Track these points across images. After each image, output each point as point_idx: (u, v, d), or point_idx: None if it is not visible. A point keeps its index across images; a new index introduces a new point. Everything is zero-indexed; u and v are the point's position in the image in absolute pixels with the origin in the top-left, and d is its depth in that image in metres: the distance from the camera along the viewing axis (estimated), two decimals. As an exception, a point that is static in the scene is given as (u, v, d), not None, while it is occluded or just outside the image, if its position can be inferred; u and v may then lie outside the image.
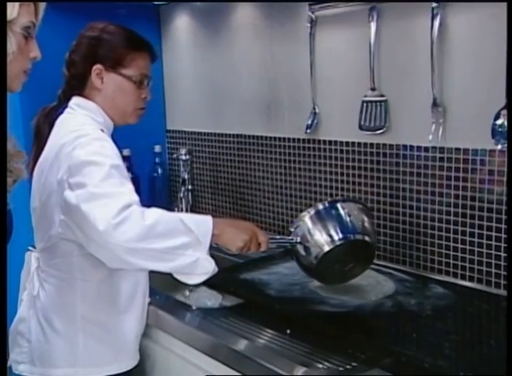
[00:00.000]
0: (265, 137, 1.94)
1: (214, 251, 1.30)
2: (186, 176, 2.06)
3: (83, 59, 1.40)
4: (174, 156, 2.14)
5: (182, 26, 2.22)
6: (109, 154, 1.26)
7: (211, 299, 1.66)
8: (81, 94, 1.40)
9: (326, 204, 1.37)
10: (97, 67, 1.38)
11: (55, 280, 1.36)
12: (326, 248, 1.32)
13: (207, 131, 2.17)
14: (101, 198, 1.16)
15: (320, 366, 1.13)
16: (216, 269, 1.23)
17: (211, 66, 2.11)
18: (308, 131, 1.75)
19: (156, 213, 1.19)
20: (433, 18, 1.39)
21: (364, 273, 1.49)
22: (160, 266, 1.19)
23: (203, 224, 1.23)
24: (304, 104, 1.76)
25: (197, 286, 1.79)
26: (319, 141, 1.75)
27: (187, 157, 2.04)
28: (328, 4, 1.64)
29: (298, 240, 1.35)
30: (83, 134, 1.29)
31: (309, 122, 1.75)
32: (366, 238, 1.35)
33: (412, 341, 1.17)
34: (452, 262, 1.48)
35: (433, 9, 1.38)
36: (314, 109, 1.74)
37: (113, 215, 1.13)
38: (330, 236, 1.32)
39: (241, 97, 2.01)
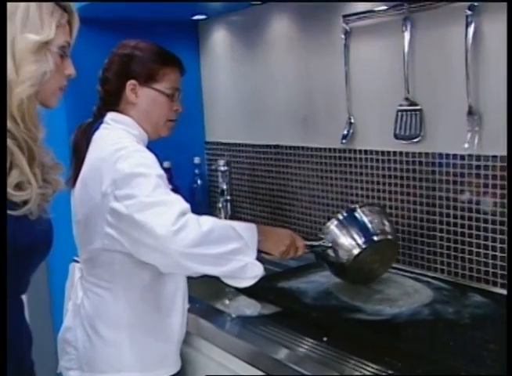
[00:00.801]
0: (302, 147, 1.97)
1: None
2: (225, 187, 2.10)
3: (117, 76, 1.45)
4: (213, 167, 2.19)
5: (219, 40, 2.28)
6: (152, 165, 1.31)
7: (250, 308, 1.69)
8: (115, 109, 1.46)
9: (347, 212, 1.49)
10: (131, 83, 1.43)
11: (99, 288, 1.40)
12: (355, 252, 1.43)
13: (245, 142, 2.21)
14: (154, 207, 1.21)
15: (357, 373, 1.14)
16: (264, 273, 1.28)
17: (248, 78, 2.16)
18: (344, 141, 1.77)
19: (210, 220, 1.25)
20: (467, 26, 1.40)
21: (401, 282, 1.51)
22: (212, 270, 1.25)
23: (250, 230, 1.28)
24: (340, 114, 1.78)
25: (236, 295, 1.84)
26: (355, 151, 1.77)
27: (225, 168, 2.09)
28: (362, 15, 1.66)
29: (330, 245, 1.44)
30: (122, 147, 1.33)
31: (345, 132, 1.77)
32: (389, 236, 1.47)
33: (450, 350, 1.16)
34: (491, 270, 1.47)
35: (467, 17, 1.39)
36: (349, 119, 1.75)
37: (172, 222, 1.18)
38: (356, 240, 1.44)
39: (278, 108, 2.04)
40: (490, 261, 1.46)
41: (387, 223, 1.48)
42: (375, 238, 1.45)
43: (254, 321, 1.45)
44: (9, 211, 1.01)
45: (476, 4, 1.38)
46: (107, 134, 1.43)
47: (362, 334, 1.28)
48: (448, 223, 1.55)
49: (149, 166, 1.30)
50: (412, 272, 1.59)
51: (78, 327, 1.43)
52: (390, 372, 1.13)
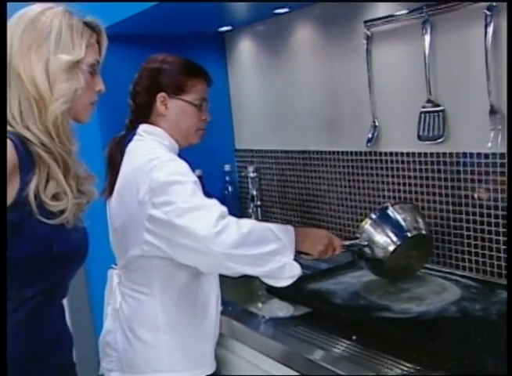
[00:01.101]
0: (328, 152, 2.00)
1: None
2: (255, 192, 2.15)
3: (147, 89, 1.51)
4: (243, 174, 2.24)
5: (245, 50, 2.33)
6: (187, 172, 1.37)
7: (283, 310, 1.73)
8: (146, 121, 1.52)
9: (380, 211, 1.54)
10: (161, 95, 1.49)
11: (136, 293, 1.47)
12: (391, 248, 1.47)
13: (273, 148, 2.26)
14: (194, 211, 1.27)
15: (386, 370, 1.17)
16: (301, 273, 1.33)
17: (274, 86, 2.21)
18: (369, 144, 1.80)
19: (249, 222, 1.31)
20: (486, 26, 1.42)
21: (429, 280, 1.53)
22: (252, 271, 1.30)
23: (288, 232, 1.33)
24: (364, 118, 1.81)
25: (269, 298, 1.88)
26: (380, 153, 1.80)
27: (255, 174, 2.14)
28: (382, 20, 1.69)
29: (366, 243, 1.49)
30: (155, 157, 1.39)
31: (370, 135, 1.80)
32: (423, 232, 1.51)
33: (477, 346, 1.18)
34: (519, 267, 1.47)
35: (486, 17, 1.41)
36: (374, 122, 1.78)
37: (213, 224, 1.24)
38: (390, 237, 1.48)
39: (304, 114, 2.08)
40: (518, 257, 1.47)
41: (420, 219, 1.52)
42: (408, 234, 1.48)
43: (286, 322, 1.49)
44: (46, 220, 1.08)
45: (494, 4, 1.40)
46: (140, 145, 1.49)
47: (389, 332, 1.31)
48: (474, 221, 1.56)
49: (184, 174, 1.36)
50: (440, 271, 1.61)
51: (118, 330, 1.49)
52: (417, 368, 1.16)
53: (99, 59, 1.21)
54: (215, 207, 1.29)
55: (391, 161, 1.77)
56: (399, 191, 1.76)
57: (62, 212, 1.10)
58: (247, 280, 2.00)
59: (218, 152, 2.40)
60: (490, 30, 1.41)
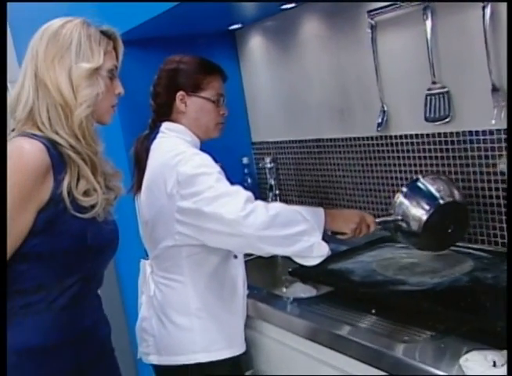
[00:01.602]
0: (341, 139, 2.08)
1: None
2: (273, 182, 2.24)
3: (166, 89, 1.60)
4: (260, 165, 2.32)
5: (256, 46, 2.41)
6: (211, 164, 1.46)
7: (306, 293, 1.82)
8: (168, 119, 1.61)
9: (411, 183, 1.58)
10: (180, 94, 1.58)
11: (168, 281, 1.56)
12: (424, 218, 1.50)
13: (288, 139, 2.34)
14: (221, 198, 1.36)
15: (405, 338, 1.25)
16: (330, 252, 1.40)
17: (286, 79, 2.29)
18: (379, 128, 1.87)
19: (277, 205, 1.40)
20: (484, 8, 1.48)
21: (443, 254, 1.60)
22: (282, 251, 1.38)
23: (316, 213, 1.40)
24: (373, 104, 1.88)
25: (292, 282, 1.97)
26: (391, 137, 1.87)
27: (272, 164, 2.22)
28: (385, 9, 1.76)
29: (400, 217, 1.52)
30: (179, 152, 1.49)
31: (379, 120, 1.87)
32: (456, 197, 1.54)
33: (486, 310, 1.26)
34: (529, 236, 1.54)
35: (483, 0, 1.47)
36: (382, 107, 1.86)
37: (241, 208, 1.33)
38: (423, 207, 1.51)
39: (315, 104, 2.16)
40: (527, 228, 1.54)
41: (453, 188, 1.55)
42: (441, 201, 1.51)
43: (309, 301, 1.58)
44: (80, 215, 1.18)
45: (490, -12, 1.46)
46: (164, 142, 1.58)
47: (406, 304, 1.39)
48: (484, 196, 1.63)
49: (209, 165, 1.45)
50: (454, 246, 1.67)
51: (153, 317, 1.59)
52: (432, 334, 1.24)
53: (116, 64, 1.31)
54: (241, 192, 1.38)
55: (401, 144, 1.84)
56: (410, 172, 1.83)
57: (93, 207, 1.21)
58: (271, 266, 2.11)
59: (235, 146, 2.48)
60: (488, 11, 1.47)
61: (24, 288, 1.19)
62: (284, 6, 2.04)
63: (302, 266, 1.67)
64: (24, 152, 1.13)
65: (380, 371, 1.22)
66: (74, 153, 1.19)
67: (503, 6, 1.47)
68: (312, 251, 1.38)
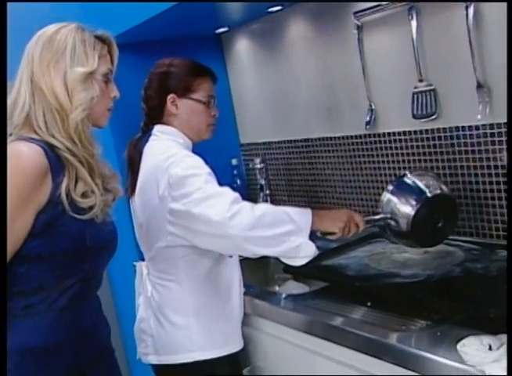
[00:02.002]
0: (329, 138, 2.12)
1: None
2: (263, 182, 2.27)
3: (157, 92, 1.62)
4: (250, 166, 2.35)
5: (242, 48, 2.45)
6: (201, 166, 1.48)
7: (299, 290, 1.85)
8: (159, 122, 1.62)
9: (397, 180, 1.57)
10: (171, 96, 1.60)
11: (165, 281, 1.58)
12: (412, 213, 1.48)
13: (277, 139, 2.38)
14: (208, 199, 1.37)
15: (402, 327, 1.29)
16: (317, 252, 1.40)
17: (273, 80, 2.32)
18: (368, 127, 1.91)
19: (263, 206, 1.41)
20: (467, 8, 1.53)
21: (433, 248, 1.64)
22: (269, 251, 1.38)
23: (303, 214, 1.41)
24: (361, 103, 1.93)
25: (285, 280, 2.01)
26: (379, 134, 1.92)
27: (262, 165, 2.25)
28: (371, 10, 1.80)
29: (389, 215, 1.50)
30: (172, 154, 1.50)
31: (367, 118, 1.91)
32: (443, 189, 1.53)
33: (478, 298, 1.29)
34: (515, 227, 1.59)
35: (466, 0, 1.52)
36: (370, 106, 1.90)
37: (226, 209, 1.34)
38: (410, 203, 1.50)
39: (303, 104, 2.20)
40: (513, 219, 1.59)
41: (439, 182, 1.55)
42: (428, 194, 1.50)
43: (305, 297, 1.61)
44: (78, 216, 1.20)
45: (472, -11, 1.51)
46: (156, 144, 1.59)
47: (400, 295, 1.42)
48: (471, 190, 1.68)
49: (199, 167, 1.47)
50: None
51: (151, 317, 1.61)
52: (428, 323, 1.28)
53: (111, 68, 1.32)
54: (228, 193, 1.39)
55: (389, 141, 1.88)
56: (399, 168, 1.88)
57: (91, 208, 1.22)
58: (264, 265, 2.14)
59: (224, 148, 2.50)
60: (470, 11, 1.52)
61: (24, 290, 1.21)
62: (271, 9, 2.08)
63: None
64: (22, 155, 1.15)
65: (380, 360, 1.25)
66: (71, 156, 1.21)
67: (486, 6, 1.52)
68: (299, 251, 1.38)
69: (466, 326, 1.21)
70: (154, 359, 1.61)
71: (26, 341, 1.21)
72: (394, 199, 1.51)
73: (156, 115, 1.64)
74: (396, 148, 1.87)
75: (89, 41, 1.26)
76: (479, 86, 1.56)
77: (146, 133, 1.64)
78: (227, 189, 1.42)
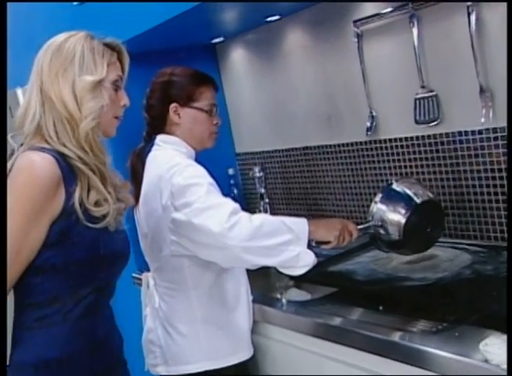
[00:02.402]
0: (329, 145, 2.13)
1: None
2: (263, 191, 2.27)
3: (160, 102, 1.61)
4: (250, 174, 2.35)
5: (237, 58, 2.46)
6: (204, 175, 1.47)
7: (301, 298, 1.84)
8: (162, 131, 1.62)
9: (385, 189, 1.58)
10: (173, 106, 1.59)
11: (172, 291, 1.57)
12: (403, 221, 1.50)
13: (274, 148, 2.38)
14: (209, 210, 1.37)
15: (415, 329, 1.29)
16: (316, 261, 1.40)
17: (270, 89, 2.33)
18: (369, 133, 1.93)
19: (260, 216, 1.41)
20: (469, 15, 1.56)
21: (440, 252, 1.65)
22: (268, 261, 1.38)
23: (300, 223, 1.41)
24: (361, 110, 1.94)
25: (287, 288, 2.00)
26: (380, 140, 1.93)
27: (261, 173, 2.25)
28: (371, 19, 1.82)
29: (379, 223, 1.52)
30: (175, 164, 1.50)
31: (368, 124, 1.93)
32: (430, 195, 1.55)
33: (494, 298, 1.31)
34: (519, 230, 1.61)
35: (468, 7, 1.55)
36: (371, 113, 1.92)
37: (225, 220, 1.34)
38: (399, 211, 1.51)
39: (302, 113, 2.21)
40: (518, 221, 1.61)
41: (424, 189, 1.58)
42: (417, 201, 1.52)
43: (314, 302, 1.61)
44: (91, 225, 1.18)
45: (475, -5, 1.54)
46: (159, 154, 1.59)
47: (413, 298, 1.43)
48: (475, 193, 1.70)
49: (201, 176, 1.46)
50: (449, 243, 1.73)
51: (159, 328, 1.59)
52: (444, 325, 1.28)
53: (121, 75, 1.31)
54: (228, 204, 1.39)
55: (391, 147, 1.90)
56: (401, 174, 1.89)
57: (104, 216, 1.21)
58: (265, 274, 2.13)
59: (220, 158, 2.50)
60: (473, 17, 1.55)
61: (38, 301, 1.19)
62: (269, 19, 2.09)
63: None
64: (35, 165, 1.13)
65: (399, 363, 1.25)
66: (83, 165, 1.19)
67: (488, 12, 1.55)
68: (298, 260, 1.38)
69: (482, 326, 1.21)
70: (163, 370, 1.59)
71: (40, 354, 1.18)
72: (384, 208, 1.52)
73: (158, 124, 1.63)
74: (398, 154, 1.89)
75: (98, 49, 1.25)
76: (482, 91, 1.58)
77: (149, 143, 1.64)
78: (227, 200, 1.42)
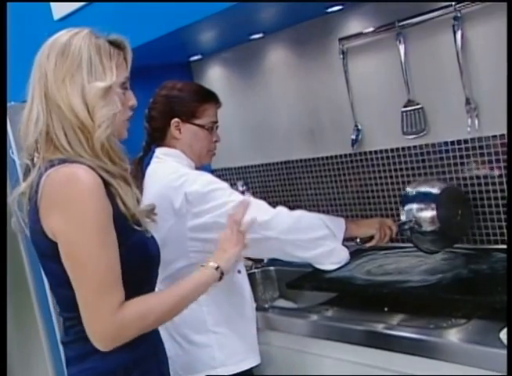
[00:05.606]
0: (312, 159, 2.19)
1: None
2: (246, 205, 2.29)
3: (162, 115, 1.62)
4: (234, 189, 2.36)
5: (214, 76, 2.49)
6: (218, 180, 1.50)
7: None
8: (162, 144, 1.63)
9: (403, 195, 1.73)
10: (175, 121, 1.60)
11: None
12: (434, 213, 1.63)
13: (253, 163, 2.42)
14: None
15: (430, 325, 1.35)
16: (349, 258, 1.48)
17: (250, 105, 2.37)
18: (354, 146, 2.01)
19: (299, 211, 1.47)
20: (455, 32, 1.67)
21: (433, 256, 1.72)
22: (304, 254, 1.45)
23: (336, 220, 1.50)
24: (345, 124, 2.02)
25: (273, 300, 2.04)
26: (365, 153, 2.01)
27: (244, 187, 2.28)
28: (356, 37, 1.92)
29: (413, 219, 1.63)
30: (183, 174, 1.51)
31: (353, 137, 2.01)
32: (448, 183, 1.74)
33: (500, 293, 1.38)
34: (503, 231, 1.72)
35: (453, 26, 1.67)
36: (356, 126, 2.00)
37: (263, 213, 1.39)
38: (426, 206, 1.65)
39: (283, 128, 2.27)
40: (503, 223, 1.72)
41: (437, 182, 1.73)
42: (437, 192, 1.67)
43: (317, 307, 1.64)
44: (137, 227, 1.16)
45: (459, 15, 1.66)
46: (161, 167, 1.59)
47: (417, 298, 1.49)
48: (463, 200, 1.80)
49: (217, 181, 1.49)
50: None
51: (167, 339, 1.56)
52: (453, 320, 1.35)
53: (127, 75, 1.23)
54: (259, 200, 1.45)
55: (377, 158, 1.98)
56: (387, 184, 1.98)
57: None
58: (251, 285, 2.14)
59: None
60: (458, 34, 1.67)
61: None
62: (253, 36, 2.14)
63: (300, 278, 1.75)
64: (81, 177, 1.08)
65: (418, 358, 1.30)
66: (105, 173, 1.13)
67: (472, 28, 1.67)
68: (332, 255, 1.45)
69: (492, 319, 1.29)
70: None
71: (116, 359, 1.15)
72: (413, 207, 1.64)
73: (158, 136, 1.64)
74: (383, 165, 1.97)
75: (104, 50, 1.17)
76: (468, 103, 1.70)
77: (148, 153, 1.64)
78: (253, 198, 1.48)
